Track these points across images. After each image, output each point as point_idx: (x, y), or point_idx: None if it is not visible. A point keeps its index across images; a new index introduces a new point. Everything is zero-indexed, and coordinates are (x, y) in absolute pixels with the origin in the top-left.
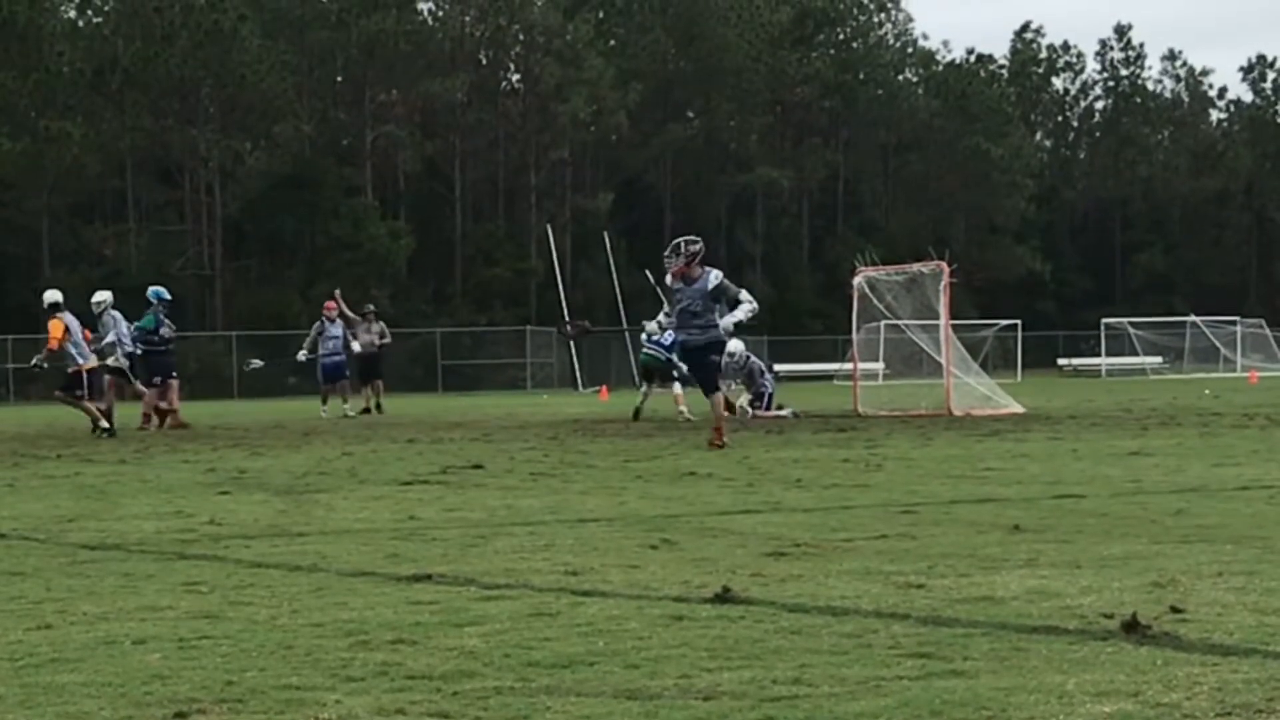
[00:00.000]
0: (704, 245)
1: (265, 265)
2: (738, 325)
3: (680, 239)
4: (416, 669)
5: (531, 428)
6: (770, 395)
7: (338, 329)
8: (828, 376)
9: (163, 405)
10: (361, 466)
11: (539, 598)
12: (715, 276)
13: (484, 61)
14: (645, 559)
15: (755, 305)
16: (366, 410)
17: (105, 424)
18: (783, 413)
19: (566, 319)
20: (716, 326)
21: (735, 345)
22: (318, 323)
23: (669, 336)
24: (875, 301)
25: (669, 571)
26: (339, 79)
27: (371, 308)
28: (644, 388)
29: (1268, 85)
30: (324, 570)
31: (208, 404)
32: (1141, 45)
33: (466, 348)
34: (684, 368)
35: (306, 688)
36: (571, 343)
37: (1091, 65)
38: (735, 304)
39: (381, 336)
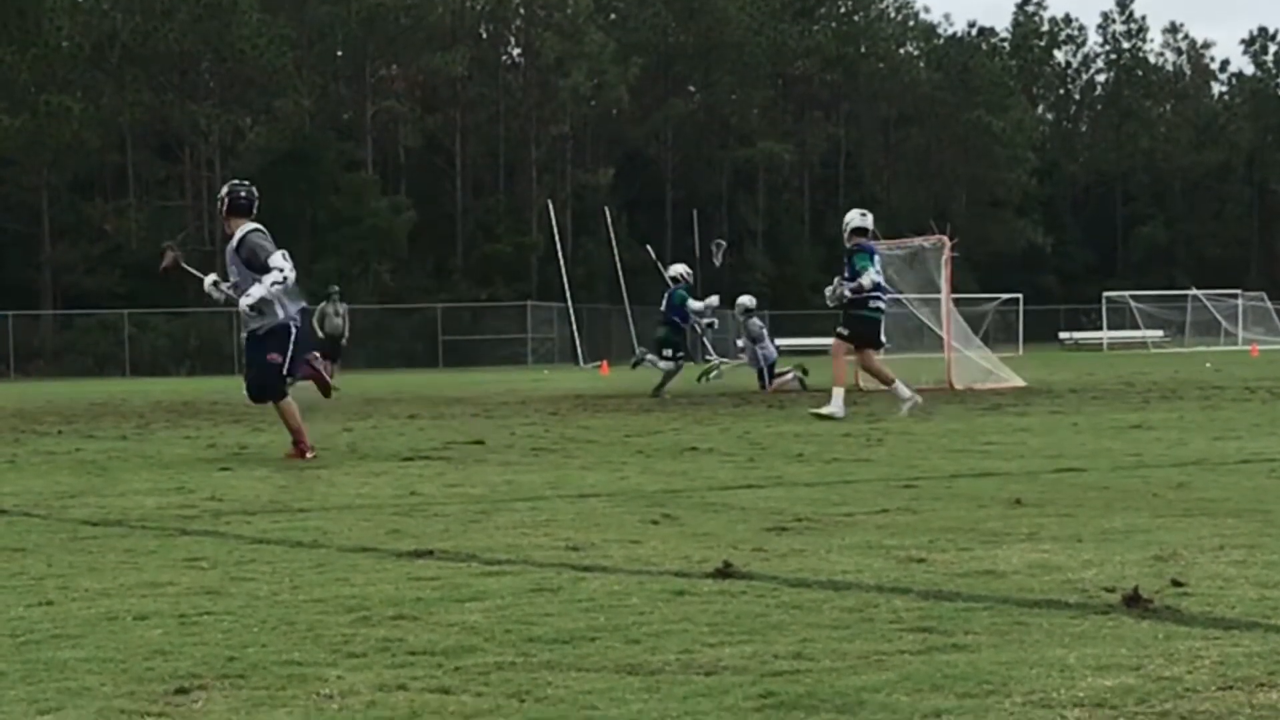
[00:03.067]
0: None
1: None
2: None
3: None
4: (418, 644)
5: (532, 403)
6: (773, 364)
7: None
8: (828, 351)
9: None
10: (362, 442)
11: (540, 573)
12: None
13: (484, 35)
14: (646, 534)
15: None
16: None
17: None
18: (787, 377)
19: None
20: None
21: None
22: (322, 303)
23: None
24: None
25: (670, 546)
26: (339, 53)
27: (336, 288)
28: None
29: (1269, 58)
30: (325, 546)
31: (208, 380)
32: (1143, 18)
33: (467, 323)
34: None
35: (308, 663)
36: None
37: (1093, 38)
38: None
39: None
